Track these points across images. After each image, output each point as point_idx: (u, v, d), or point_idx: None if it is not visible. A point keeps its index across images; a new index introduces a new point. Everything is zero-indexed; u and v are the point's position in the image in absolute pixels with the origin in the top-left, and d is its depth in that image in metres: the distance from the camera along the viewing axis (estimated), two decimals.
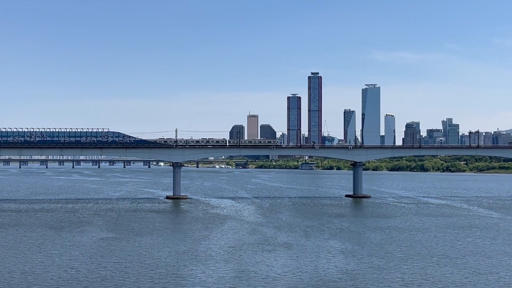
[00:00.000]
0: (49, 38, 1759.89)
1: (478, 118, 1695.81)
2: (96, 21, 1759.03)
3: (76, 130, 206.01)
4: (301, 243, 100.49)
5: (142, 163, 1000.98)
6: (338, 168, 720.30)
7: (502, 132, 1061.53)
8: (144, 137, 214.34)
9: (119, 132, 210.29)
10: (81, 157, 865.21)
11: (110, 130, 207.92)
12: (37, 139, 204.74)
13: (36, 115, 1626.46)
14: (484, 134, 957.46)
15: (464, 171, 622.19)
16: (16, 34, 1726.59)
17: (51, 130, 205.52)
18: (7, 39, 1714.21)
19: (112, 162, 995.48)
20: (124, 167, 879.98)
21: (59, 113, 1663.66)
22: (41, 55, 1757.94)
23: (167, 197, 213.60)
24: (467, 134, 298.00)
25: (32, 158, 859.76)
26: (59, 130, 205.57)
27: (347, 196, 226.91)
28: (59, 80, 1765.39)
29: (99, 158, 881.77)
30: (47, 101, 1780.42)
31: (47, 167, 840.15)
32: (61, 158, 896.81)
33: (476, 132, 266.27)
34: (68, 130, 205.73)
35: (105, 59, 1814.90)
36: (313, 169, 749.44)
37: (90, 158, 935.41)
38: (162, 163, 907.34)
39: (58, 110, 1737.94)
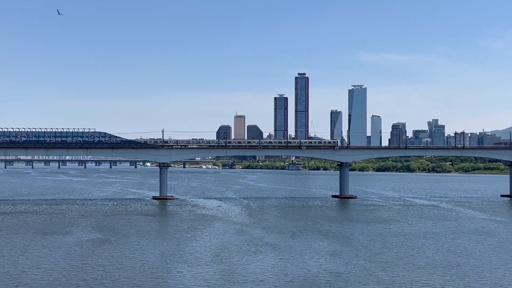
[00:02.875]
0: (49, 38, 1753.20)
1: (464, 119, 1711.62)
2: (96, 21, 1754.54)
3: (62, 130, 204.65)
4: (287, 244, 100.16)
5: (128, 164, 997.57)
6: (325, 169, 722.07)
7: (487, 133, 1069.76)
8: (131, 137, 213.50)
9: (105, 132, 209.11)
10: (67, 157, 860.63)
11: (96, 130, 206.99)
12: (23, 139, 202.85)
13: (35, 115, 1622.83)
14: (469, 135, 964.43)
15: (449, 171, 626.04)
16: (16, 34, 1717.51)
17: (37, 130, 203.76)
18: (7, 39, 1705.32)
19: (98, 162, 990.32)
20: (111, 167, 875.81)
21: (58, 113, 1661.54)
22: (41, 55, 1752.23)
23: (154, 198, 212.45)
24: (453, 135, 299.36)
25: (18, 158, 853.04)
26: (45, 130, 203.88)
27: (333, 196, 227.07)
28: (58, 80, 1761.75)
29: (85, 159, 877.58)
30: (47, 101, 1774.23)
31: (32, 167, 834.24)
32: (47, 159, 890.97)
33: (461, 133, 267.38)
34: (54, 130, 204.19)
35: (99, 59, 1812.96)
36: (300, 169, 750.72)
37: (76, 159, 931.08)
38: (148, 164, 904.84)
39: (58, 110, 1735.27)
